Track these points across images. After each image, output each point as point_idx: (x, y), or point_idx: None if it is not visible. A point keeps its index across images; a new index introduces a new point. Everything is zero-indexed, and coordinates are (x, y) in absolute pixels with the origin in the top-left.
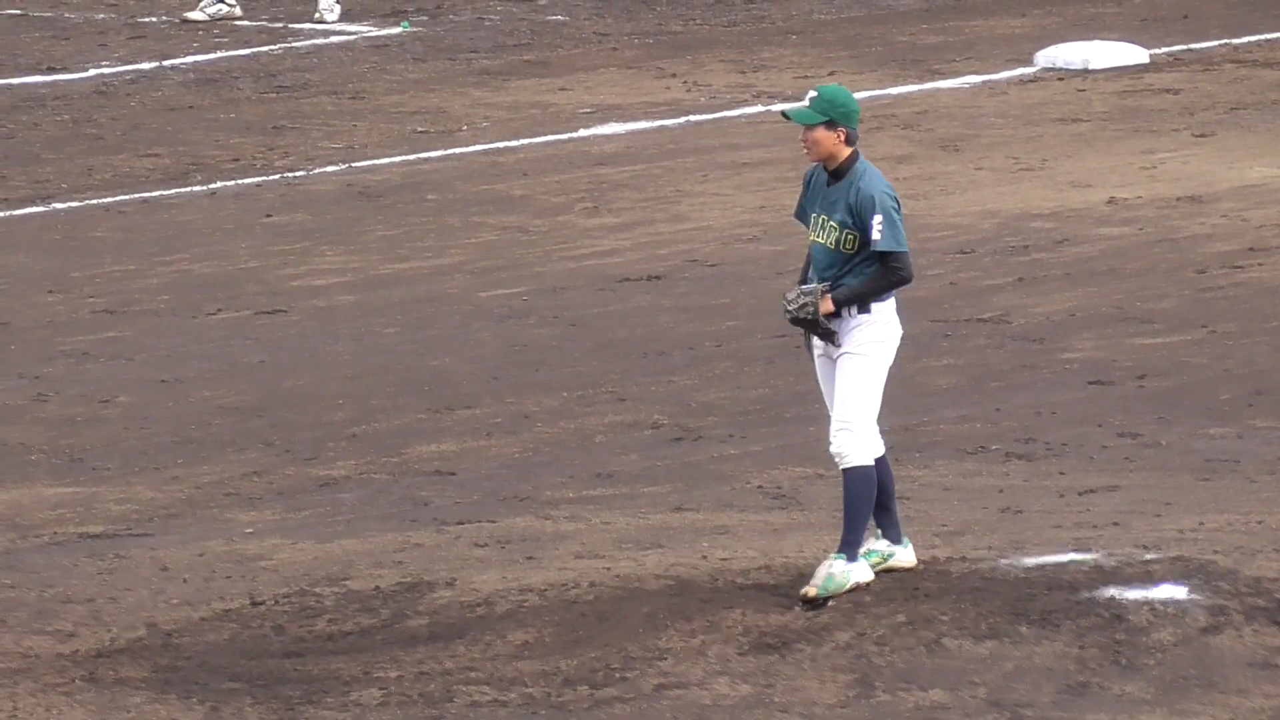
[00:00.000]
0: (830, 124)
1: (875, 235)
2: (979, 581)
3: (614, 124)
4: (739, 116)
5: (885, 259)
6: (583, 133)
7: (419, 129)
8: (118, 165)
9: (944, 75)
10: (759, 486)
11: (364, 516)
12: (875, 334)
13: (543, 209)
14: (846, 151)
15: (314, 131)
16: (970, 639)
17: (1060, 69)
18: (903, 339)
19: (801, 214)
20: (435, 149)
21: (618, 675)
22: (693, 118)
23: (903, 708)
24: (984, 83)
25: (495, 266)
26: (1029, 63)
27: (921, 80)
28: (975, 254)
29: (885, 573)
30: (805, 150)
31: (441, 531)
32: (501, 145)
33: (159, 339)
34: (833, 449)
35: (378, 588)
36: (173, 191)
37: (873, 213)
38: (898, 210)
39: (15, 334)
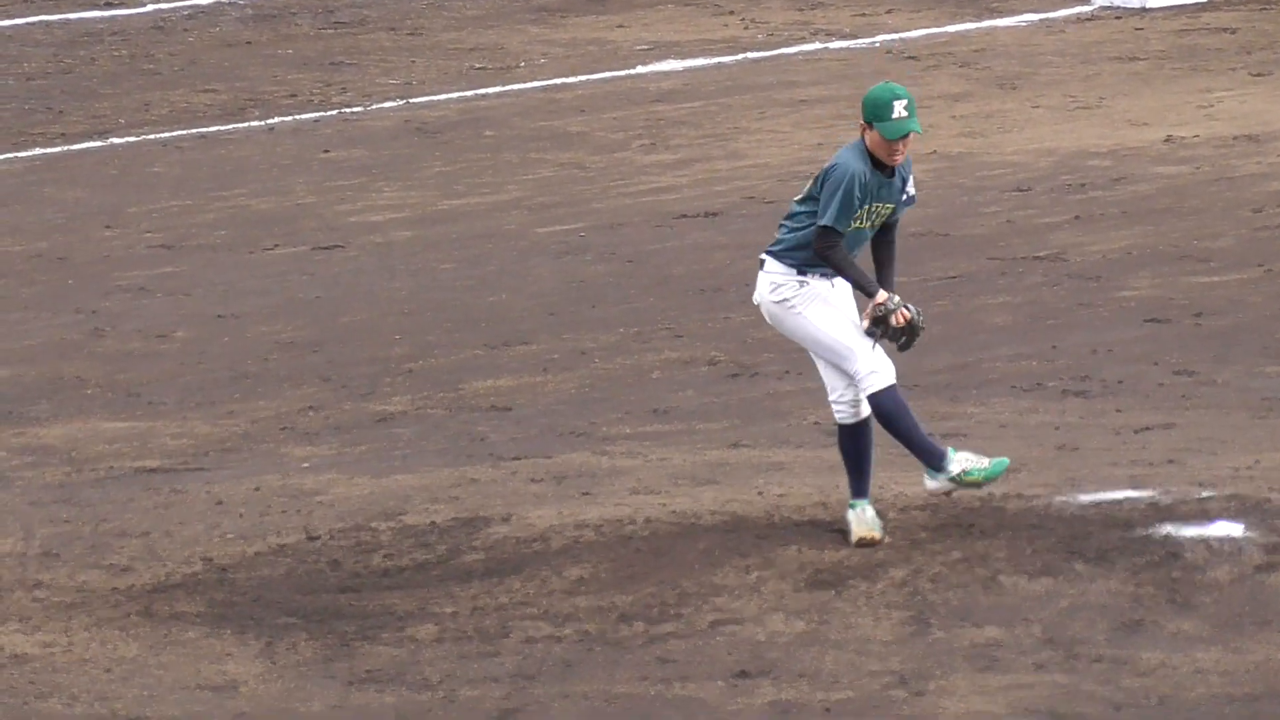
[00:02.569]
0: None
1: (912, 190)
2: (1035, 519)
3: (671, 61)
4: (796, 54)
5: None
6: (640, 69)
7: (477, 65)
8: (175, 101)
9: (1001, 13)
10: (815, 423)
11: (420, 452)
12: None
13: (600, 145)
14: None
15: (372, 68)
16: (1025, 576)
17: (1118, 7)
18: (960, 277)
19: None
20: (493, 85)
21: (673, 611)
22: (750, 55)
23: (958, 645)
24: (1041, 21)
25: (552, 203)
26: (1086, 1)
27: (979, 18)
28: (1032, 192)
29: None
30: (899, 155)
31: (497, 467)
32: (559, 82)
33: (216, 274)
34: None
35: (433, 523)
36: (230, 127)
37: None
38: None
39: (72, 269)
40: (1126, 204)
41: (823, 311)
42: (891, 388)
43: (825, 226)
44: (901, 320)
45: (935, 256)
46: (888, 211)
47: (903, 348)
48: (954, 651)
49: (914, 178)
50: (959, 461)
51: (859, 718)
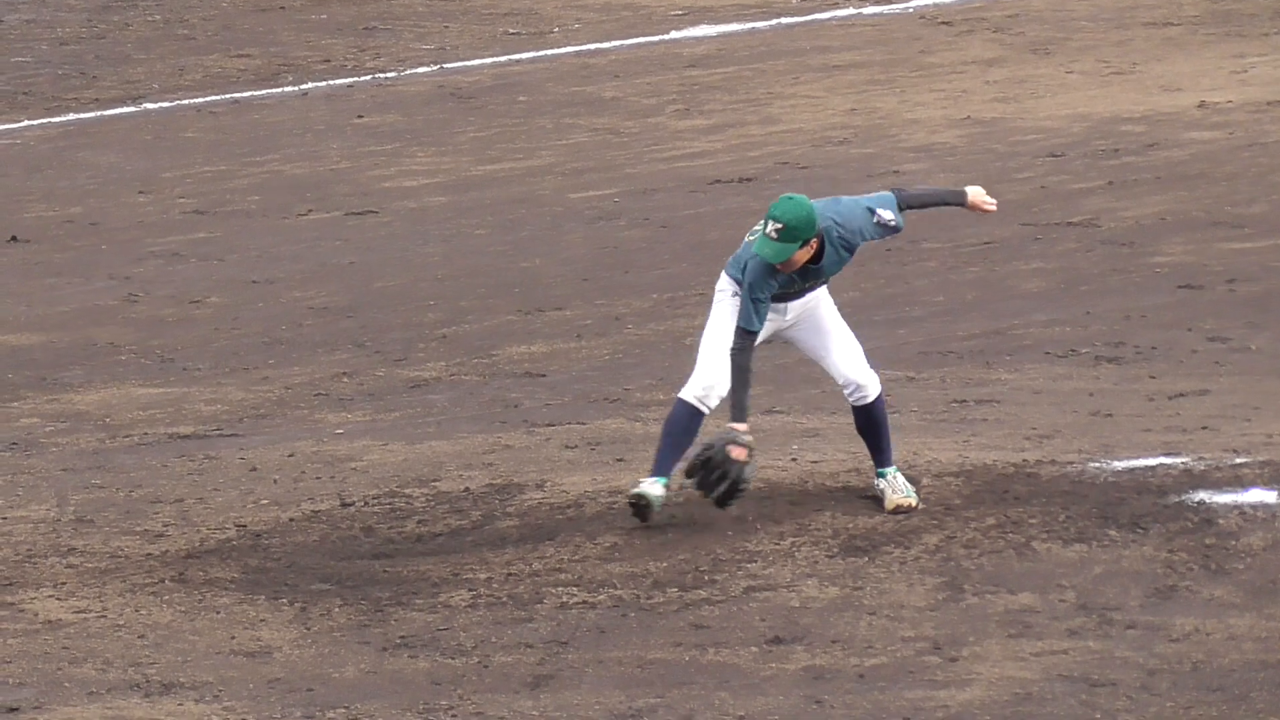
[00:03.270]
0: (805, 243)
1: (888, 219)
2: (1068, 485)
3: (705, 26)
4: (830, 19)
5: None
6: (674, 35)
7: (510, 30)
8: (209, 66)
9: None
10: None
11: (454, 418)
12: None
13: (634, 111)
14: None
15: (405, 33)
16: (1059, 542)
17: None
18: (993, 243)
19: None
20: (527, 50)
21: (706, 577)
22: (784, 20)
23: (991, 611)
24: None
25: (586, 168)
26: None
27: None
28: (1065, 157)
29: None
30: (790, 268)
31: (531, 433)
32: (593, 47)
33: (249, 239)
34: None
35: (467, 489)
36: (264, 92)
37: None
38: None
39: (106, 234)
40: (1160, 170)
41: (722, 316)
42: (691, 407)
43: (739, 328)
44: (738, 455)
45: (969, 222)
46: (830, 271)
47: (718, 498)
48: (987, 617)
49: (884, 220)
50: (649, 485)
51: (892, 683)
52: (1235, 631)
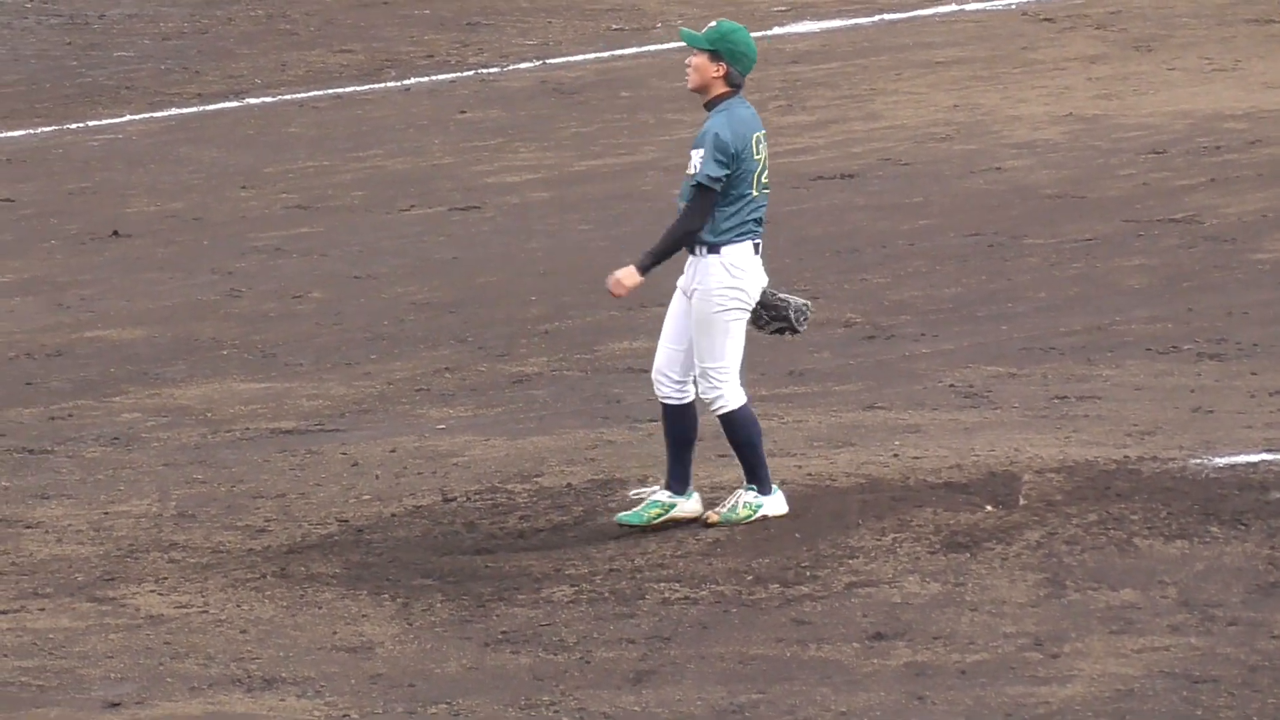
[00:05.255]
0: (714, 55)
1: (692, 168)
2: (1170, 481)
3: (808, 22)
4: (932, 15)
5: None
6: (777, 30)
7: (614, 26)
8: (311, 61)
9: None
10: (950, 385)
11: (556, 413)
12: (721, 279)
13: None
14: (721, 89)
15: (509, 28)
16: (1161, 539)
17: None
18: (1096, 239)
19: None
20: (629, 46)
21: (808, 573)
22: (886, 16)
23: (1093, 607)
24: None
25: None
26: None
27: None
28: (1167, 154)
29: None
30: (686, 75)
31: (634, 429)
32: None
33: (352, 235)
34: (705, 396)
35: (570, 484)
36: (366, 87)
37: (696, 145)
38: (722, 146)
39: (208, 229)
40: (1262, 166)
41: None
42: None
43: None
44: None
45: (1071, 218)
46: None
47: (771, 330)
48: (1089, 614)
49: (695, 159)
50: (765, 503)
51: (994, 679)
52: None
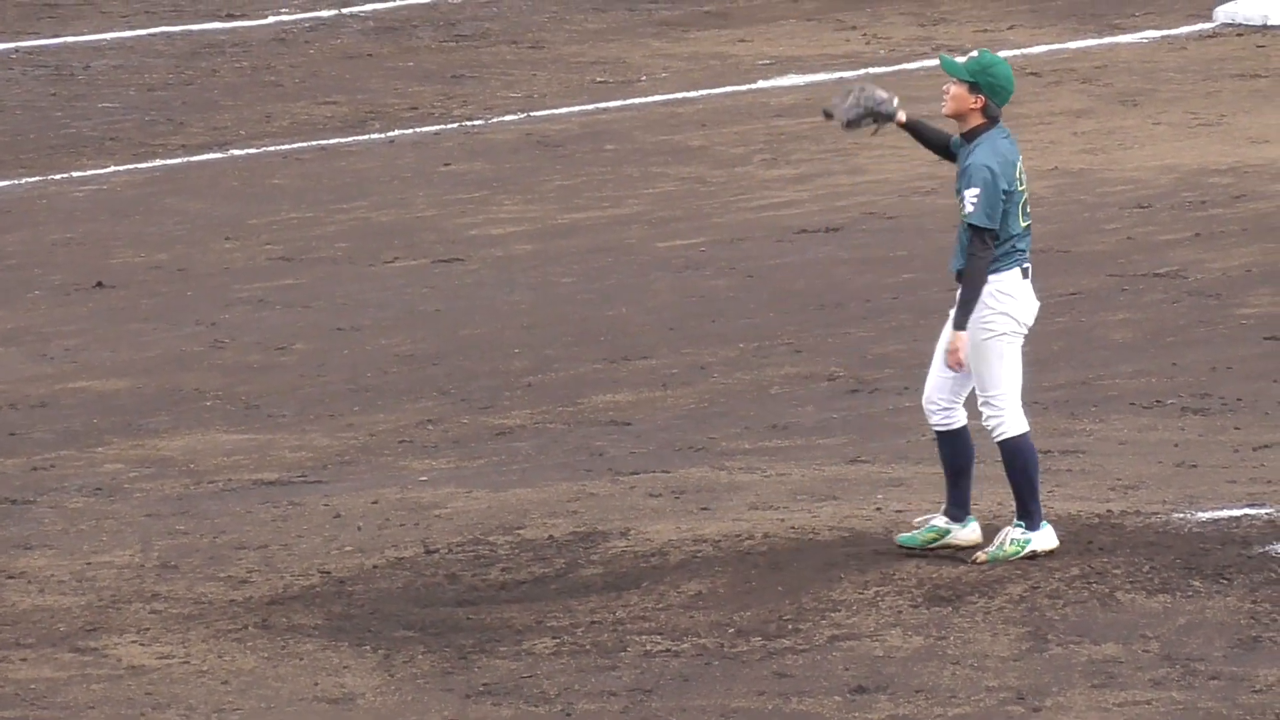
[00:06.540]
0: (974, 87)
1: (967, 208)
2: (1153, 536)
3: (793, 76)
4: (917, 69)
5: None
6: (761, 84)
7: (598, 79)
8: (296, 113)
9: (1123, 30)
10: (934, 439)
11: (539, 466)
12: (992, 306)
13: (721, 160)
14: (979, 120)
15: (493, 80)
16: (1143, 593)
17: (1239, 24)
18: (1080, 293)
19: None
20: (614, 99)
21: (790, 626)
22: (872, 70)
23: (1075, 661)
24: (1163, 38)
25: (673, 217)
26: (1208, 18)
27: (1101, 34)
28: (1152, 209)
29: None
30: (943, 100)
31: (616, 481)
32: (680, 96)
33: (336, 286)
34: (986, 424)
35: (552, 537)
36: (351, 139)
37: (968, 185)
38: (994, 183)
39: (193, 280)
40: (1247, 221)
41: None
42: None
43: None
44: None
45: (1056, 273)
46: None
47: (846, 121)
48: (1071, 668)
49: (970, 199)
50: (1034, 538)
51: None
52: None
